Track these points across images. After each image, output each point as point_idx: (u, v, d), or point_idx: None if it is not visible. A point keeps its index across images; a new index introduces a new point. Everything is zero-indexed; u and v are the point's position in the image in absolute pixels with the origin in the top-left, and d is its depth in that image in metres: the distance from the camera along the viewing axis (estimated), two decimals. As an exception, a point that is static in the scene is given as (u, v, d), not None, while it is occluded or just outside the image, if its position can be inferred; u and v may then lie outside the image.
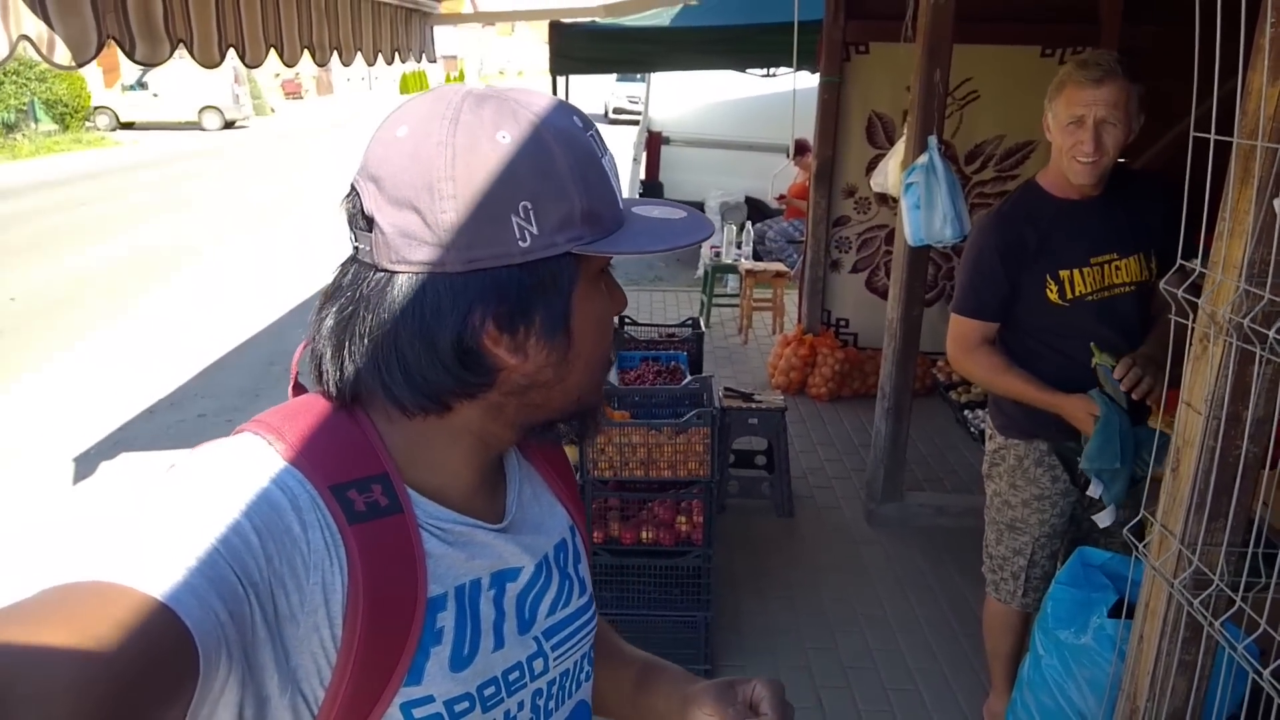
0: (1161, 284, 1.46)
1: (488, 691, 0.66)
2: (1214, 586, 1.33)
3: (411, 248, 0.59)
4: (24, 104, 17.11)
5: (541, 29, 5.22)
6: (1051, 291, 2.02)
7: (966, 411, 4.38)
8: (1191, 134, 1.30)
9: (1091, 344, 1.98)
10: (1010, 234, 2.03)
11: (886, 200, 4.19)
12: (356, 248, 0.63)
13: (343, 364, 0.63)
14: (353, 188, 0.63)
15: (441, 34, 4.73)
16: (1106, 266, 2.01)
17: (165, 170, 14.22)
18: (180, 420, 4.70)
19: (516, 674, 0.69)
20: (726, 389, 3.76)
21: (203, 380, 5.27)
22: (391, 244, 0.60)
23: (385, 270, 0.61)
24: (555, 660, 0.73)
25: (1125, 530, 1.57)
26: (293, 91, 32.41)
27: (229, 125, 20.99)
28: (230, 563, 0.52)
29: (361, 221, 0.61)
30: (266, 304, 6.75)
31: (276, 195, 11.89)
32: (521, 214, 0.59)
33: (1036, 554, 2.20)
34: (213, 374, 5.38)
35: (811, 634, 2.87)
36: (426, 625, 0.62)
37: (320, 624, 0.57)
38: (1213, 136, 1.27)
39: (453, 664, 0.64)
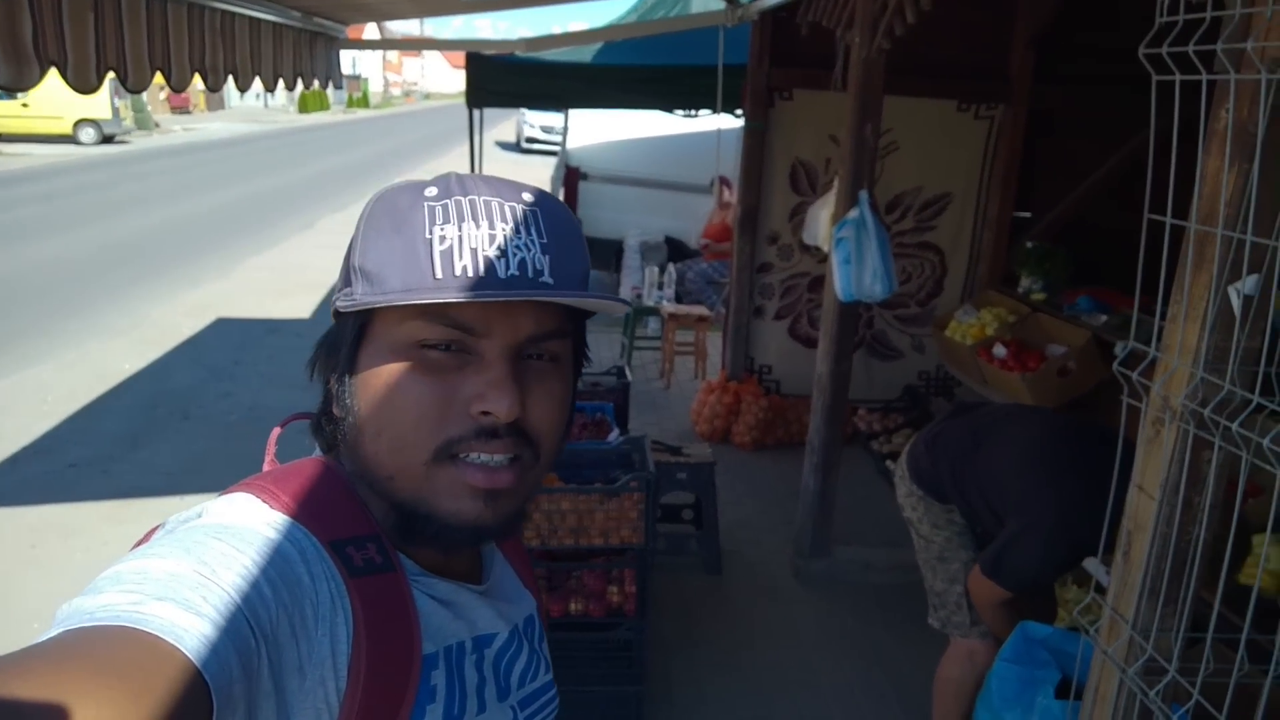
0: (1115, 365, 1.45)
1: None
2: (1169, 677, 1.30)
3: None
4: None
5: (452, 54, 5.07)
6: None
7: (889, 462, 4.37)
8: (1146, 216, 1.28)
9: None
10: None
11: (809, 247, 4.19)
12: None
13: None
14: None
15: (343, 55, 4.53)
16: None
17: (43, 186, 13.18)
18: (48, 471, 4.23)
19: None
20: (654, 441, 3.65)
21: (74, 426, 4.78)
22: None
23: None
24: None
25: (1075, 612, 1.54)
26: (179, 105, 30.60)
27: (107, 140, 19.42)
28: (247, 615, 0.51)
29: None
30: (146, 340, 6.25)
31: (158, 222, 11.06)
32: (354, 270, 0.65)
33: None
34: (85, 419, 4.88)
35: (745, 703, 2.76)
36: (423, 682, 0.62)
37: (327, 677, 0.57)
38: (1169, 220, 1.25)
39: None
